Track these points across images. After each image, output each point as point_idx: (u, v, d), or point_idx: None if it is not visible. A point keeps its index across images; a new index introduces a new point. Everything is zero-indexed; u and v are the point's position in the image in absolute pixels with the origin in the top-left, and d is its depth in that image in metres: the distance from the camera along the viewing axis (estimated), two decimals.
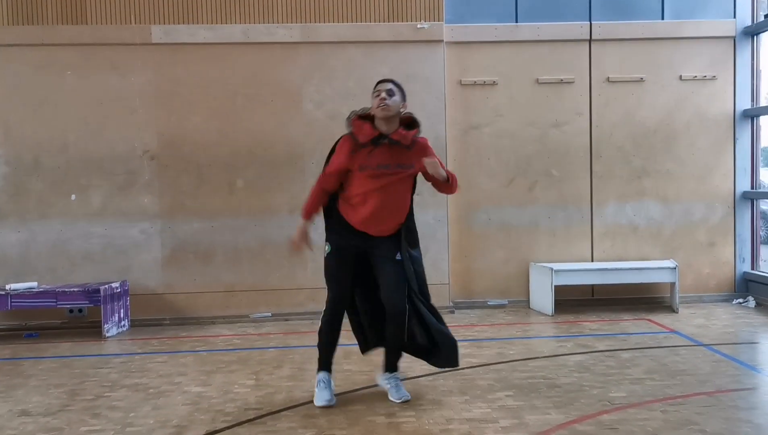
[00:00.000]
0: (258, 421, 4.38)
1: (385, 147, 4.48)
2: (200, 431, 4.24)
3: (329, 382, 4.72)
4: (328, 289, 4.70)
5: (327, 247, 4.65)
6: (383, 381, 4.84)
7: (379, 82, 4.57)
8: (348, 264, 4.64)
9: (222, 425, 4.33)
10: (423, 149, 4.58)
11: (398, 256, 4.60)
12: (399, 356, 4.84)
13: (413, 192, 4.73)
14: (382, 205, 4.51)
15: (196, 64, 7.57)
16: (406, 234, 4.67)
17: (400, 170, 4.52)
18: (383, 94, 4.46)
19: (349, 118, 4.56)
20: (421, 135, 4.61)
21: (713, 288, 8.17)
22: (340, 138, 4.66)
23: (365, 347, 4.94)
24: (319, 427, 4.26)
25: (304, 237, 4.68)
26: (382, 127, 4.50)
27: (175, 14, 7.55)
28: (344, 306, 4.71)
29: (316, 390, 4.70)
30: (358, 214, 4.54)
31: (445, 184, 4.60)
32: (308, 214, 4.66)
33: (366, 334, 4.87)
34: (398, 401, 4.64)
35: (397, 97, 4.49)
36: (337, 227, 4.66)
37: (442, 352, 4.69)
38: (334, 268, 4.64)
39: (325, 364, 4.76)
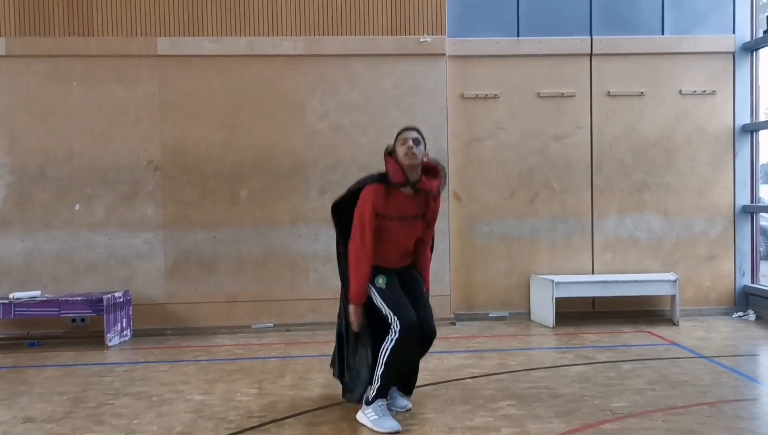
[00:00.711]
0: (262, 428, 4.41)
1: (411, 195, 4.47)
2: None
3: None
4: (395, 318, 4.38)
5: (381, 280, 4.48)
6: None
7: (403, 130, 4.53)
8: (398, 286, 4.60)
9: (226, 432, 4.35)
10: (436, 197, 4.60)
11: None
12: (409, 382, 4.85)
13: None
14: (399, 247, 4.59)
15: (201, 75, 7.64)
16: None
17: (419, 221, 4.58)
18: (410, 143, 4.40)
19: (386, 151, 4.51)
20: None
21: (713, 301, 8.20)
22: (359, 191, 4.54)
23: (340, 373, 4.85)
24: (324, 434, 4.29)
25: (361, 316, 4.54)
26: (409, 173, 4.45)
27: (180, 26, 7.63)
28: (416, 327, 4.44)
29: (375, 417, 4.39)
30: (376, 256, 4.50)
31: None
32: (361, 298, 4.48)
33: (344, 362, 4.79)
34: (402, 410, 4.67)
35: (421, 146, 4.47)
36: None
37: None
38: (395, 293, 4.50)
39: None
